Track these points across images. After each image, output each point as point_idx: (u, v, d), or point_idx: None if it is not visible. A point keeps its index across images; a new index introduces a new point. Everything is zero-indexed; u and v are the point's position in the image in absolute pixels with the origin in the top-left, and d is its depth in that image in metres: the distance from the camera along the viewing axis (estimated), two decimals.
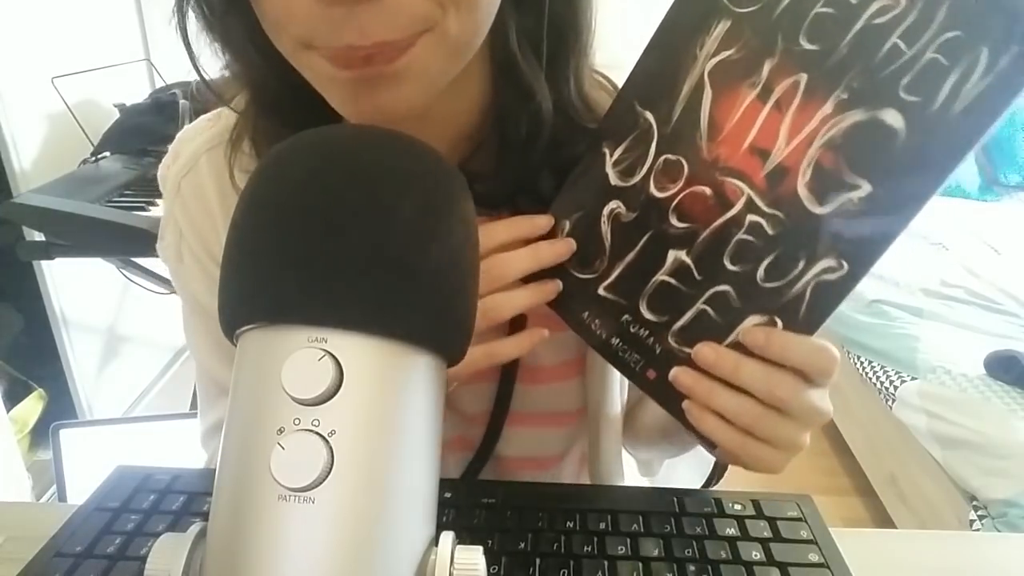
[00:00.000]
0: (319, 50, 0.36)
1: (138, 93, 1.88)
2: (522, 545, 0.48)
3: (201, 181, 0.54)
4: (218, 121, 0.55)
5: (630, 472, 0.69)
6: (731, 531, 0.49)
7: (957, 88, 0.35)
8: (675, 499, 0.52)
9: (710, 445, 0.46)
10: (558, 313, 0.50)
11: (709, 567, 0.46)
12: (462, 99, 0.46)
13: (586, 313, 0.48)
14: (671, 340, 0.45)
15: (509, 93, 0.45)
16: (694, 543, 0.48)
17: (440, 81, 0.40)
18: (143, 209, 1.45)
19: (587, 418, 0.62)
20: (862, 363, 1.78)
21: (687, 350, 0.44)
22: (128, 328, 2.02)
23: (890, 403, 1.64)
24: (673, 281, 0.44)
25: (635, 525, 0.49)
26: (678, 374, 0.44)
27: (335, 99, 0.39)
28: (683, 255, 0.43)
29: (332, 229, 0.24)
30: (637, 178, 0.44)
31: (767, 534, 0.49)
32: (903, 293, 1.88)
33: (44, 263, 1.63)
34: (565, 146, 0.48)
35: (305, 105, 0.42)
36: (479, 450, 0.61)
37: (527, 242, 0.48)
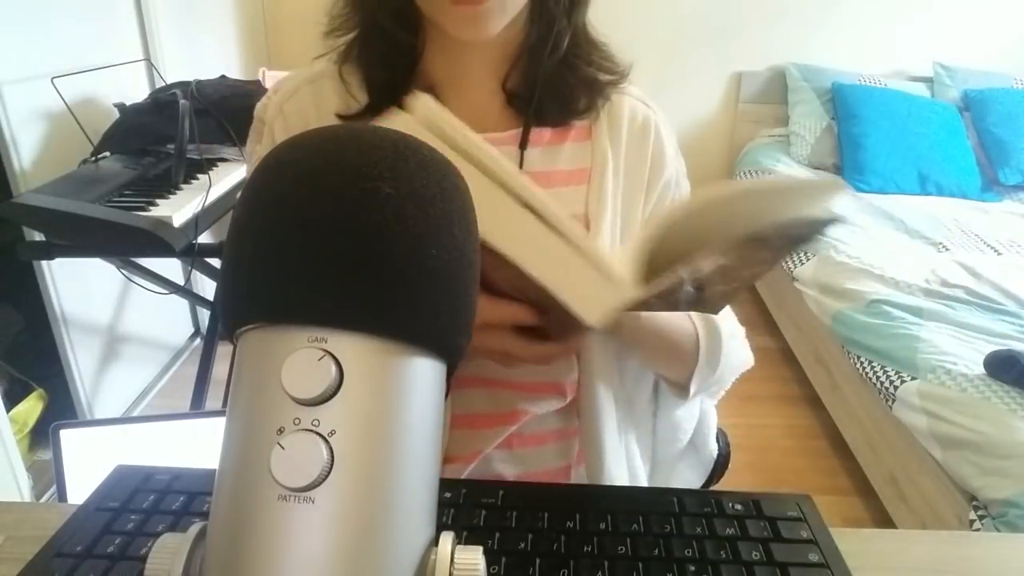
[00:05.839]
0: None
1: (138, 93, 1.88)
2: (522, 545, 0.48)
3: (303, 106, 0.64)
4: (312, 67, 0.65)
5: (630, 472, 0.69)
6: (731, 531, 0.49)
7: None
8: (675, 499, 0.52)
9: None
10: None
11: (709, 567, 0.46)
12: (510, 28, 0.60)
13: None
14: None
15: (540, 23, 0.61)
16: (694, 543, 0.48)
17: (512, 12, 0.57)
18: (143, 209, 1.45)
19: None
20: (862, 363, 1.77)
21: None
22: (128, 328, 2.02)
23: (890, 403, 1.63)
24: None
25: (635, 525, 0.49)
26: None
27: (450, 25, 0.55)
28: None
29: (332, 230, 0.24)
30: None
31: (767, 534, 0.49)
32: (903, 293, 1.88)
33: (44, 263, 1.63)
34: (580, 69, 0.64)
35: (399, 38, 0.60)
36: None
37: None
